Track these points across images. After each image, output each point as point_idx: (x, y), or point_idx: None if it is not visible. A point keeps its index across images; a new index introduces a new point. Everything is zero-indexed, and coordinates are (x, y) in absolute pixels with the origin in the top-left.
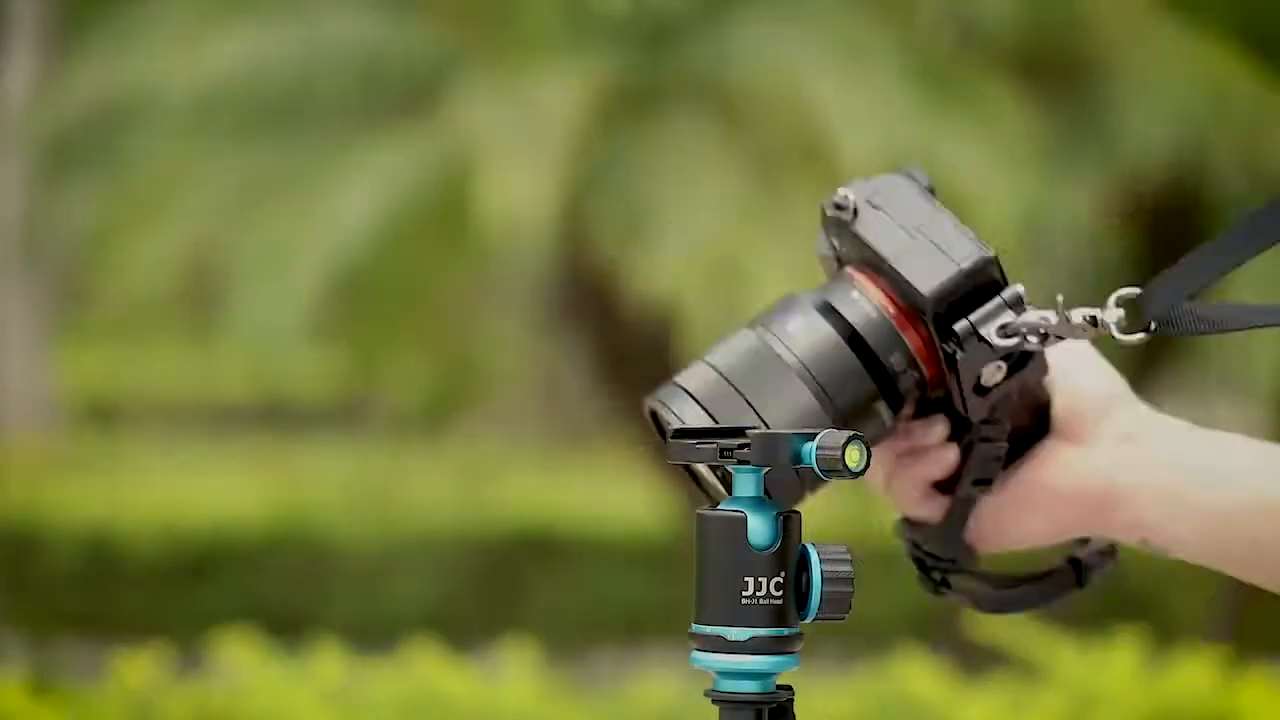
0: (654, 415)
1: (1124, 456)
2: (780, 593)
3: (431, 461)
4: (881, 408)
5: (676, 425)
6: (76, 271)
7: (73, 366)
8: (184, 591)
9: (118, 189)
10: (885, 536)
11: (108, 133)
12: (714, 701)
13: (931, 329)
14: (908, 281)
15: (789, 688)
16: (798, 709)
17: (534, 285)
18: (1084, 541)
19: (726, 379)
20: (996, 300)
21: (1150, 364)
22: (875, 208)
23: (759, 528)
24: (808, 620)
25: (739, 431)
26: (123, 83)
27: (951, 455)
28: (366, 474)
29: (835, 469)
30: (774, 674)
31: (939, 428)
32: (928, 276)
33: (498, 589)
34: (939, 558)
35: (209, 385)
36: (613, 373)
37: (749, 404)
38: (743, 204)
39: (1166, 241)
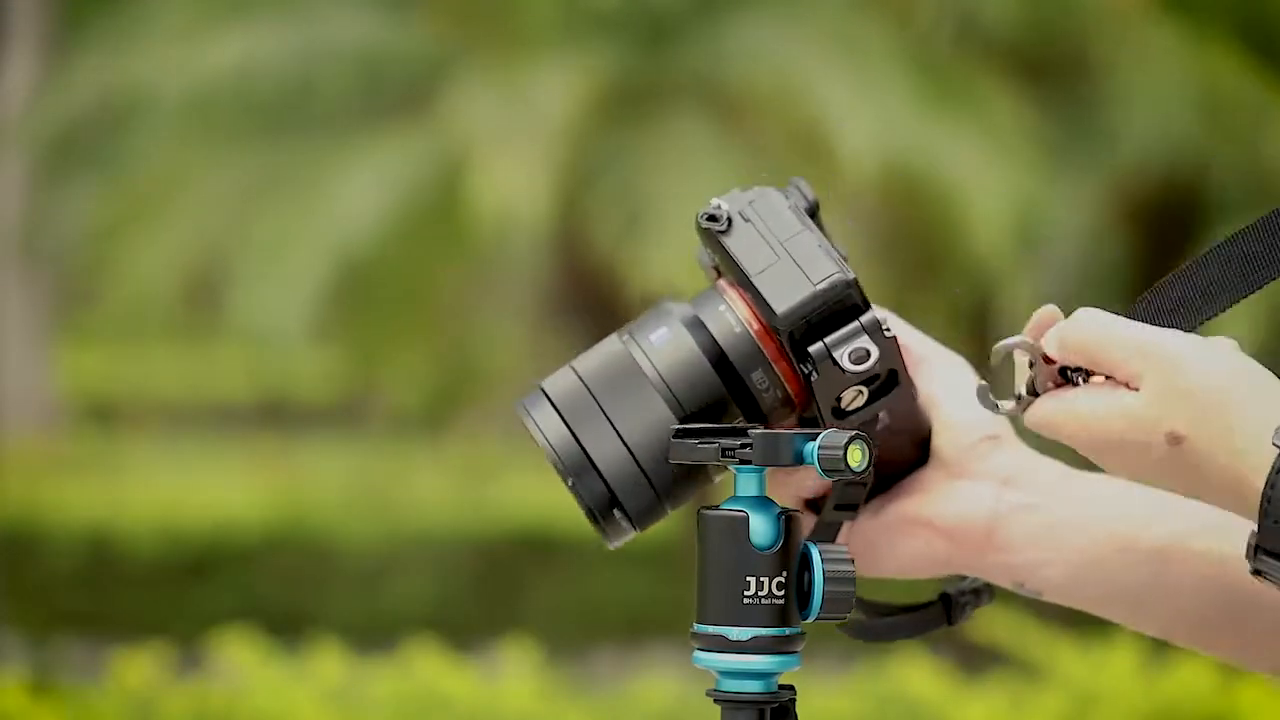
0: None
1: (1004, 500)
2: (782, 592)
3: (431, 461)
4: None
5: (535, 434)
6: (76, 271)
7: (73, 366)
8: (184, 591)
9: (118, 189)
10: None
11: (108, 133)
12: (716, 701)
13: (788, 349)
14: (764, 299)
15: (791, 687)
16: (798, 709)
17: (532, 282)
18: (961, 577)
19: (587, 387)
20: (853, 324)
21: None
22: (746, 220)
23: (761, 527)
24: (810, 620)
25: (741, 431)
26: (122, 83)
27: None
28: (366, 474)
29: (838, 469)
30: (776, 673)
31: None
32: (783, 296)
33: (498, 589)
34: None
35: (209, 385)
36: None
37: (604, 414)
38: None
39: (1164, 242)
